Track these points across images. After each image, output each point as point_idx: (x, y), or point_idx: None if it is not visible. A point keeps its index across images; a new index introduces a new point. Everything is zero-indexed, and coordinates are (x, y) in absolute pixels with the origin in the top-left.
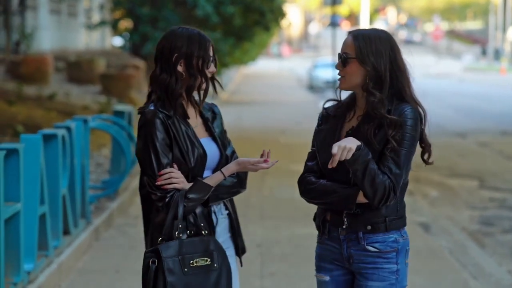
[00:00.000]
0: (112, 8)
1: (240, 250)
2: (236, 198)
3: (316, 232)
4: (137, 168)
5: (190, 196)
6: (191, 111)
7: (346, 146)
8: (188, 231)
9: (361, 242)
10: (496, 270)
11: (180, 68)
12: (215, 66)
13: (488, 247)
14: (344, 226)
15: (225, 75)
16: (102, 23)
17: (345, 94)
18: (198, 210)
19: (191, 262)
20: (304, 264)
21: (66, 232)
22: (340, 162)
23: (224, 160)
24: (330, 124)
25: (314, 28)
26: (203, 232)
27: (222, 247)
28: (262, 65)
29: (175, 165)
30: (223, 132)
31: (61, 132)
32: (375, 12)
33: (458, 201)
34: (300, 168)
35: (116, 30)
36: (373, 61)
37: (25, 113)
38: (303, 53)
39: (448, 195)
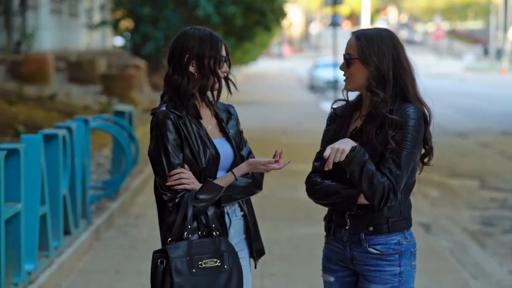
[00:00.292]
0: (113, 8)
1: (255, 252)
2: None
3: (316, 232)
4: (140, 169)
5: (200, 196)
6: (205, 112)
7: (339, 148)
8: (199, 232)
9: (363, 244)
10: (497, 270)
11: (192, 69)
12: (229, 66)
13: (489, 247)
14: (347, 227)
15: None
16: (103, 23)
17: (352, 95)
18: (210, 211)
19: (200, 263)
20: (304, 264)
21: (67, 232)
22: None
23: (239, 160)
24: (337, 124)
25: (315, 28)
26: (214, 233)
27: (234, 248)
28: (263, 65)
29: (186, 166)
30: (239, 132)
31: (61, 132)
32: (376, 12)
33: (459, 201)
34: (300, 169)
35: (117, 30)
36: (376, 61)
37: (25, 113)
38: (304, 53)
39: (449, 195)
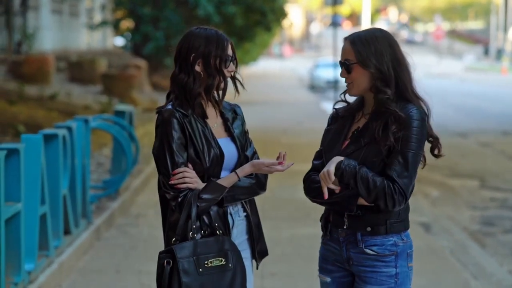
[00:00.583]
0: (114, 8)
1: (257, 253)
2: None
3: (317, 232)
4: (140, 168)
5: (203, 196)
6: (211, 111)
7: (324, 172)
8: (202, 231)
9: (359, 245)
10: (497, 270)
11: (198, 68)
12: (236, 65)
13: (489, 247)
14: (344, 227)
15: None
16: (103, 23)
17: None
18: (213, 211)
19: (206, 262)
20: (305, 264)
21: (67, 232)
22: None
23: (243, 160)
24: (338, 124)
25: (316, 28)
26: (217, 232)
27: (236, 247)
28: (264, 65)
29: (189, 165)
30: (244, 133)
31: (62, 132)
32: (376, 12)
33: (459, 201)
34: (301, 168)
35: (117, 30)
36: (375, 62)
37: (26, 113)
38: (305, 53)
39: (449, 195)
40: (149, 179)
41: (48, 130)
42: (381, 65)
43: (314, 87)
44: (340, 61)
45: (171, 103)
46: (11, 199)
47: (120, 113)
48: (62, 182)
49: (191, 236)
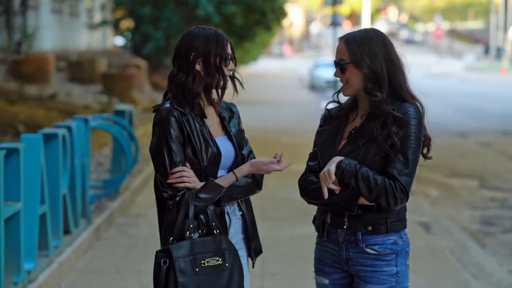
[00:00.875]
0: (114, 8)
1: (253, 251)
2: None
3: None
4: (140, 168)
5: (201, 195)
6: (208, 110)
7: (325, 172)
8: (199, 231)
9: (360, 244)
10: (497, 270)
11: (198, 67)
12: (235, 64)
13: (489, 247)
14: (344, 227)
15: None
16: (103, 23)
17: (344, 97)
18: (210, 210)
19: (203, 262)
20: (305, 264)
21: (67, 231)
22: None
23: (240, 159)
24: (333, 125)
25: (316, 27)
26: (214, 231)
27: (234, 246)
28: (264, 65)
29: (187, 164)
30: (240, 131)
31: (61, 131)
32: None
33: (459, 201)
34: (301, 168)
35: (117, 30)
36: (369, 62)
37: (26, 112)
38: (305, 52)
39: (449, 195)
40: (149, 179)
41: (48, 130)
42: (374, 65)
43: (314, 86)
44: (334, 61)
45: (168, 101)
46: (10, 198)
47: (120, 113)
48: (62, 182)
49: (188, 235)
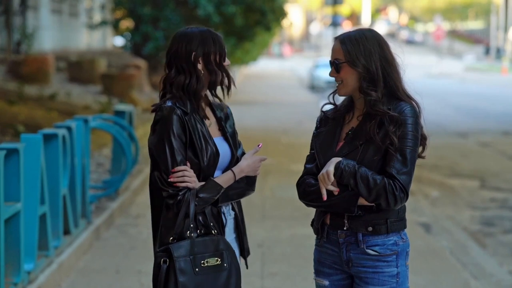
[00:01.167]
0: (113, 8)
1: (245, 251)
2: None
3: None
4: (140, 168)
5: (201, 195)
6: (206, 110)
7: (323, 173)
8: (198, 230)
9: (360, 246)
10: (497, 271)
11: (199, 66)
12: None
13: (489, 247)
14: (344, 228)
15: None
16: (103, 23)
17: (339, 98)
18: (207, 210)
19: (202, 262)
20: (305, 264)
21: (67, 232)
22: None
23: (235, 160)
24: (330, 126)
25: (316, 28)
26: (212, 231)
27: (231, 246)
28: (263, 65)
29: (188, 163)
30: (235, 132)
31: (61, 132)
32: (376, 12)
33: (459, 201)
34: (301, 168)
35: (117, 30)
36: (363, 62)
37: (26, 113)
38: (304, 53)
39: (449, 195)
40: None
41: (47, 130)
42: (369, 64)
43: (314, 87)
44: (330, 61)
45: (169, 100)
46: (10, 199)
47: (120, 113)
48: (62, 182)
49: (188, 235)
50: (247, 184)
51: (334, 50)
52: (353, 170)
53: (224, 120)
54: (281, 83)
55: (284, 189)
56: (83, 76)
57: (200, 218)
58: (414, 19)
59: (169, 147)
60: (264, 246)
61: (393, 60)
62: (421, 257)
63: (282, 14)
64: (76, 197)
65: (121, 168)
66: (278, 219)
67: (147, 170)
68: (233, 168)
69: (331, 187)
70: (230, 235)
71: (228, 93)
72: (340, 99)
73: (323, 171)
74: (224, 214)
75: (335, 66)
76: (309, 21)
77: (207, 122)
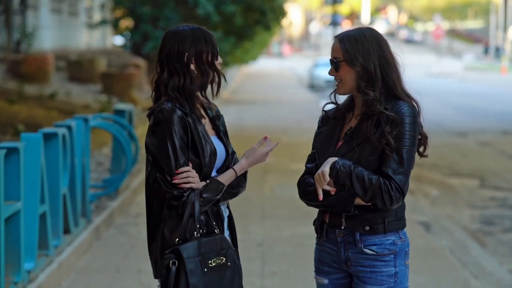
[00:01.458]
0: (113, 7)
1: (236, 248)
2: (237, 197)
3: None
4: (140, 167)
5: (205, 195)
6: (200, 110)
7: (319, 174)
8: (201, 230)
9: (358, 245)
10: (497, 270)
11: (192, 66)
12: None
13: (489, 246)
14: (342, 227)
15: (226, 75)
16: (103, 22)
17: (341, 97)
18: (208, 209)
19: (210, 262)
20: (305, 264)
21: (67, 231)
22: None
23: (230, 159)
24: (330, 126)
25: (315, 27)
26: (215, 231)
27: (231, 245)
28: (263, 64)
29: (190, 164)
30: (226, 131)
31: (61, 131)
32: (375, 11)
33: (459, 201)
34: (301, 168)
35: (117, 29)
36: (362, 61)
37: (26, 112)
38: (304, 52)
39: (449, 194)
40: None
41: (48, 129)
42: (367, 63)
43: (313, 86)
44: (329, 59)
45: (168, 102)
46: (10, 198)
47: (119, 112)
48: (62, 181)
49: (196, 236)
50: (240, 181)
51: (333, 49)
52: (348, 170)
53: (217, 119)
54: (281, 82)
55: (284, 189)
56: (83, 75)
57: (202, 217)
58: (413, 18)
59: (172, 149)
60: (264, 245)
61: (393, 59)
62: (421, 256)
63: (281, 13)
64: (76, 196)
65: (121, 167)
66: (278, 219)
67: None
68: (234, 166)
69: (327, 187)
70: (225, 233)
71: (217, 92)
72: (342, 98)
73: (319, 171)
74: (222, 213)
75: (334, 64)
76: (308, 20)
77: (203, 121)
